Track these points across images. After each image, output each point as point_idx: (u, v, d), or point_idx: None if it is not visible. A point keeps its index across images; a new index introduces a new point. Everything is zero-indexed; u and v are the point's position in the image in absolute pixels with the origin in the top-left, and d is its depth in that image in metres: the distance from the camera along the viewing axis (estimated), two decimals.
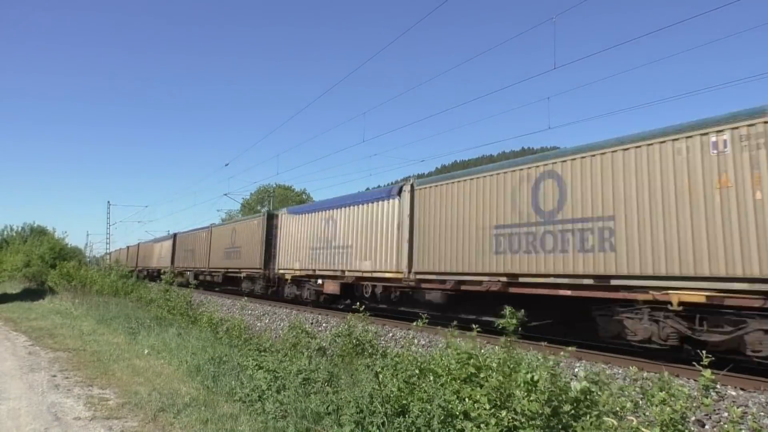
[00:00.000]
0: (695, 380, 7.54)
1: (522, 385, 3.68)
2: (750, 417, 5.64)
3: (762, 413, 6.40)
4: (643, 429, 3.19)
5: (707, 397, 3.38)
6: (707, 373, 3.42)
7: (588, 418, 3.58)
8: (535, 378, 3.63)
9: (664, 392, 3.42)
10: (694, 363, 3.81)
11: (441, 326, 8.27)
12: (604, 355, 9.35)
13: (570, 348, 4.57)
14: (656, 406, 3.32)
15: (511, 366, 4.17)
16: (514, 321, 4.86)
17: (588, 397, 3.75)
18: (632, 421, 3.33)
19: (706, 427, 6.31)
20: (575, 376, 8.50)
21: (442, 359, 4.97)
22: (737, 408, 4.76)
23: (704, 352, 3.67)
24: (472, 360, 4.55)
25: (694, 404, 3.45)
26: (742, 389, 7.11)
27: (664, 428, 3.15)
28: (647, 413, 3.40)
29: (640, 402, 3.87)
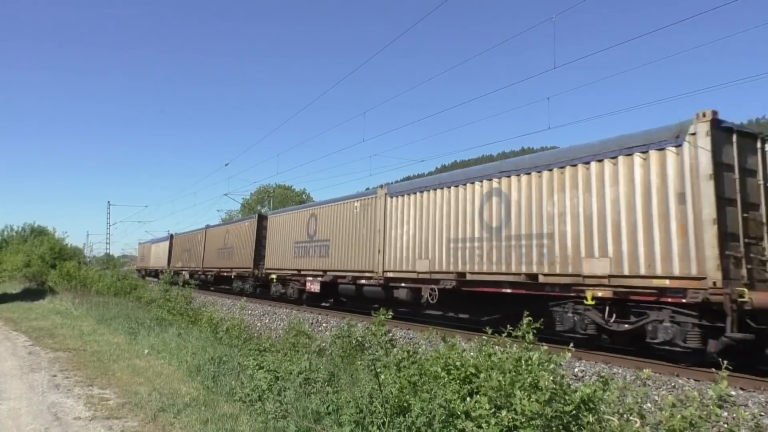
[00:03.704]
0: (695, 380, 7.55)
1: (526, 385, 3.67)
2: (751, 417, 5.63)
3: (762, 413, 6.40)
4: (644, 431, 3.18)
5: (720, 407, 3.31)
6: (723, 384, 3.33)
7: (590, 416, 3.57)
8: (539, 381, 3.61)
9: (673, 397, 3.37)
10: (713, 370, 3.71)
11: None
12: (605, 355, 9.35)
13: (568, 349, 4.52)
14: (667, 410, 3.27)
15: (515, 366, 4.16)
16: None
17: (591, 399, 3.75)
18: (636, 423, 3.32)
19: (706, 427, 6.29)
20: (575, 376, 8.50)
21: (443, 359, 4.95)
22: (742, 409, 4.74)
23: (725, 361, 3.55)
24: (472, 361, 4.54)
25: (704, 413, 3.36)
26: (742, 389, 7.11)
27: None
28: (649, 415, 3.39)
29: (640, 402, 3.87)
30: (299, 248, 19.82)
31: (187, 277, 31.54)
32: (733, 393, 6.98)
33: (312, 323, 15.18)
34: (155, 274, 42.51)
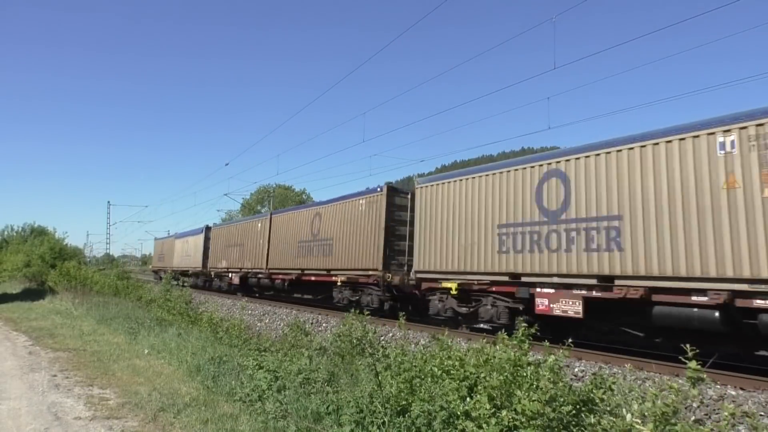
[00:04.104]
0: None
1: (526, 384, 3.68)
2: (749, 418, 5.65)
3: (762, 413, 6.41)
4: (637, 426, 3.20)
5: (695, 387, 3.40)
6: (693, 364, 3.43)
7: (592, 418, 3.59)
8: (540, 380, 3.63)
9: (656, 388, 3.45)
10: (680, 358, 3.79)
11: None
12: (604, 354, 9.35)
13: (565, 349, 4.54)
14: (649, 401, 3.33)
15: (515, 366, 4.17)
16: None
17: (591, 399, 3.76)
18: (635, 421, 3.34)
19: (707, 425, 6.30)
20: (575, 376, 8.51)
21: (443, 360, 4.96)
22: (734, 406, 4.76)
23: (688, 345, 3.62)
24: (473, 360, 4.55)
25: (685, 398, 3.46)
26: (742, 389, 7.12)
27: (657, 423, 3.16)
28: (647, 414, 3.42)
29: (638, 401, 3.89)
30: (516, 235, 10.91)
31: (236, 281, 24.91)
32: (733, 392, 7.00)
33: (312, 323, 15.18)
34: (182, 274, 33.89)
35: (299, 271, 19.29)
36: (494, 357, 4.46)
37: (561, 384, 3.88)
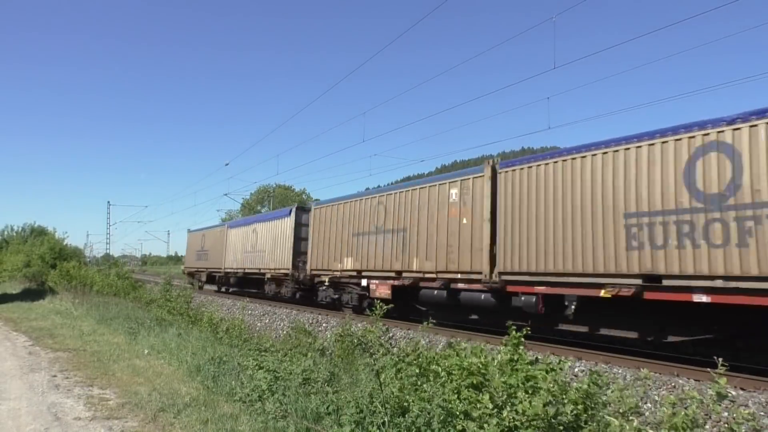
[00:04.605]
0: (695, 380, 7.56)
1: (524, 385, 3.68)
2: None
3: (762, 413, 6.40)
4: (648, 430, 3.19)
5: (719, 404, 3.36)
6: (723, 381, 3.38)
7: (591, 419, 3.58)
8: (538, 379, 3.63)
9: (674, 396, 3.42)
10: (708, 369, 3.78)
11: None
12: (605, 354, 9.34)
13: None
14: (668, 408, 3.29)
15: (515, 367, 4.16)
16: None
17: (590, 398, 3.75)
18: (633, 421, 3.33)
19: (706, 427, 6.30)
20: (575, 376, 8.50)
21: (444, 359, 4.95)
22: (742, 408, 4.75)
23: (720, 359, 3.59)
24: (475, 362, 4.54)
25: (704, 410, 3.42)
26: (742, 389, 7.11)
27: (674, 430, 3.14)
28: (647, 414, 3.41)
29: (640, 402, 3.88)
30: None
31: (385, 293, 13.98)
32: (733, 392, 6.99)
33: (312, 323, 15.18)
34: (245, 280, 24.76)
35: (639, 283, 8.73)
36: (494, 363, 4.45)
37: (560, 386, 3.88)
